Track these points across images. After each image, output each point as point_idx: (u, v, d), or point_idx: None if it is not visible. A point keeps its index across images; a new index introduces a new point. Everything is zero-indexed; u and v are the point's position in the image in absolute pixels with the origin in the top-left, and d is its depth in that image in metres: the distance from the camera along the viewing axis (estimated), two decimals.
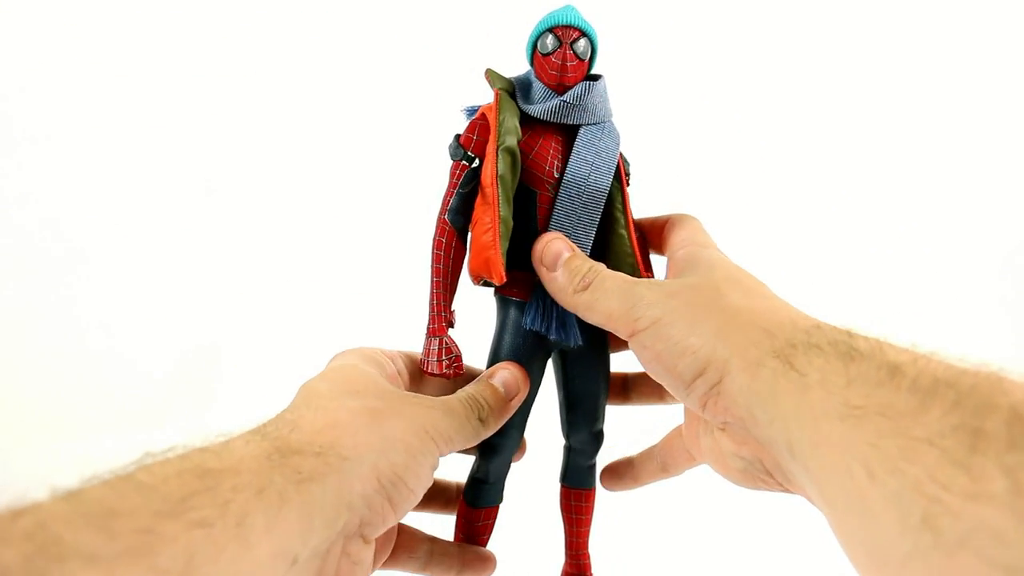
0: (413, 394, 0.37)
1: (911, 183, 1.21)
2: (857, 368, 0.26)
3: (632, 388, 0.51)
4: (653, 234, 0.45)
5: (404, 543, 0.41)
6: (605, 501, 0.53)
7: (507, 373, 0.42)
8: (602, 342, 0.47)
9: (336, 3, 1.12)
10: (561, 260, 0.38)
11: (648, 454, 0.50)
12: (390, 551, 0.38)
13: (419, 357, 0.43)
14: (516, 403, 0.42)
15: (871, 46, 1.18)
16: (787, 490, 0.34)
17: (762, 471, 0.34)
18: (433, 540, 0.44)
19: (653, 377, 0.35)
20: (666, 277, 0.42)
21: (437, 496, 0.48)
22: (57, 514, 0.20)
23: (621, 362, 0.49)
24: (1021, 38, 1.17)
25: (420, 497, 0.34)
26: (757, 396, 0.29)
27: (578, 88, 0.41)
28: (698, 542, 0.67)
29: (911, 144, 1.22)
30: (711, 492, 0.76)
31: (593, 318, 0.37)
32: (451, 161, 0.43)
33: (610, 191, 0.43)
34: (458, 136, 0.42)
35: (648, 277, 0.45)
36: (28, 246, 0.99)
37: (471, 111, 0.43)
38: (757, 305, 0.32)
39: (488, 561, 0.46)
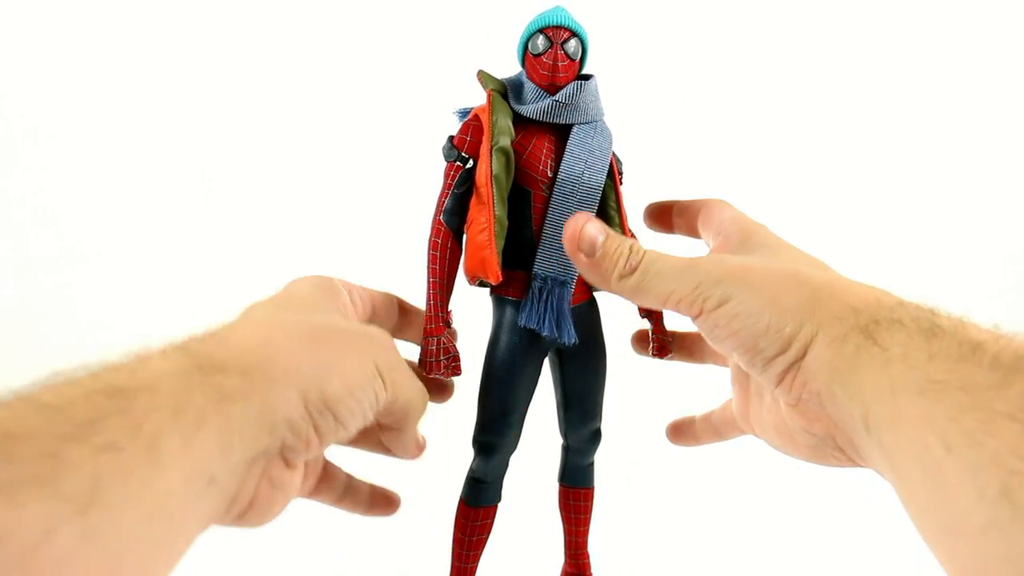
0: (361, 324, 0.35)
1: (910, 183, 1.21)
2: (939, 344, 0.25)
3: (672, 347, 0.50)
4: (685, 217, 0.44)
5: (327, 474, 0.40)
6: (604, 501, 0.53)
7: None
8: (598, 340, 0.47)
9: (333, 4, 1.12)
10: (598, 245, 0.35)
11: (706, 417, 0.50)
12: (315, 482, 0.38)
13: (385, 299, 0.42)
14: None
15: (868, 44, 1.18)
16: (858, 465, 0.33)
17: (833, 447, 0.33)
18: (350, 476, 0.43)
19: (720, 350, 0.34)
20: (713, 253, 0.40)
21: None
22: None
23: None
24: (1021, 37, 1.17)
25: (352, 432, 0.32)
26: (838, 372, 0.28)
27: (569, 88, 0.42)
28: (698, 542, 0.67)
29: (910, 144, 1.22)
30: (711, 492, 0.76)
31: (645, 301, 0.35)
32: (445, 162, 0.43)
33: (603, 189, 0.44)
34: (451, 137, 0.43)
35: None
36: (28, 246, 1.00)
37: (463, 113, 0.44)
38: (838, 282, 0.31)
39: (392, 502, 0.46)
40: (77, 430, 0.21)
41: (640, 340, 0.50)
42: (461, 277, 0.44)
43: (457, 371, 0.42)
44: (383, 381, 0.33)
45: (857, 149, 1.21)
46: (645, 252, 0.35)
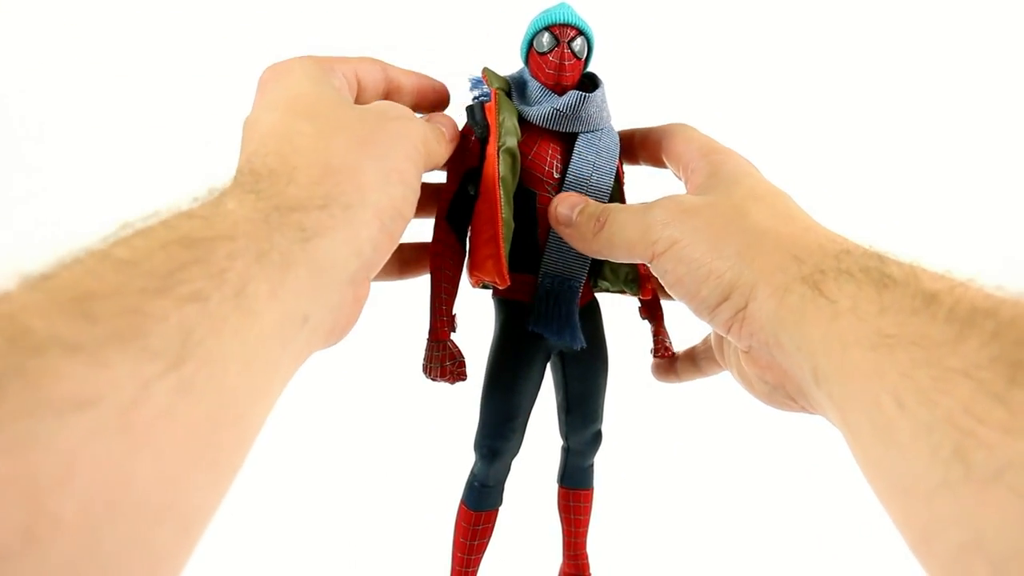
0: (387, 107, 0.35)
1: (910, 183, 1.21)
2: (891, 296, 0.25)
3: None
4: (645, 148, 0.43)
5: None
6: (604, 501, 0.53)
7: (444, 120, 0.41)
8: (600, 342, 0.47)
9: (333, 4, 1.12)
10: (576, 210, 0.37)
11: (688, 353, 0.48)
12: None
13: (369, 66, 0.40)
14: (454, 145, 0.41)
15: (868, 44, 1.18)
16: (810, 412, 0.33)
17: (785, 395, 0.33)
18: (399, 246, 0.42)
19: (678, 299, 0.34)
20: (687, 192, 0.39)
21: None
22: (26, 304, 0.17)
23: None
24: (1021, 37, 1.17)
25: (411, 220, 0.33)
26: (783, 323, 0.28)
27: (571, 98, 0.41)
28: (697, 543, 0.67)
29: (909, 144, 1.22)
30: (710, 493, 0.76)
31: (617, 254, 0.36)
32: (465, 124, 0.42)
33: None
34: (482, 104, 0.42)
35: (646, 275, 0.45)
36: (27, 247, 0.99)
37: (477, 81, 0.43)
38: (783, 227, 0.31)
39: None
40: (158, 283, 0.19)
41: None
42: (464, 281, 0.43)
43: (463, 376, 0.42)
44: (423, 157, 0.34)
45: (857, 149, 1.21)
46: (610, 207, 0.36)
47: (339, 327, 0.30)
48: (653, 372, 0.50)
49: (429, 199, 0.42)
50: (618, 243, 0.35)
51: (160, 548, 0.18)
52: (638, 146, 0.45)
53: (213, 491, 0.21)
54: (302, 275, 0.24)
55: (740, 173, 0.36)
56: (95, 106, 1.06)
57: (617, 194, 0.44)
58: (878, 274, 0.26)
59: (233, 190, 0.26)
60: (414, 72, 0.43)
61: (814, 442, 0.88)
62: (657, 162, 0.44)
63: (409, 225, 0.36)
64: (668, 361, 0.50)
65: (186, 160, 1.07)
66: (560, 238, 0.42)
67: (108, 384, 0.17)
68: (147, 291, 0.19)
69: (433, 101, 0.43)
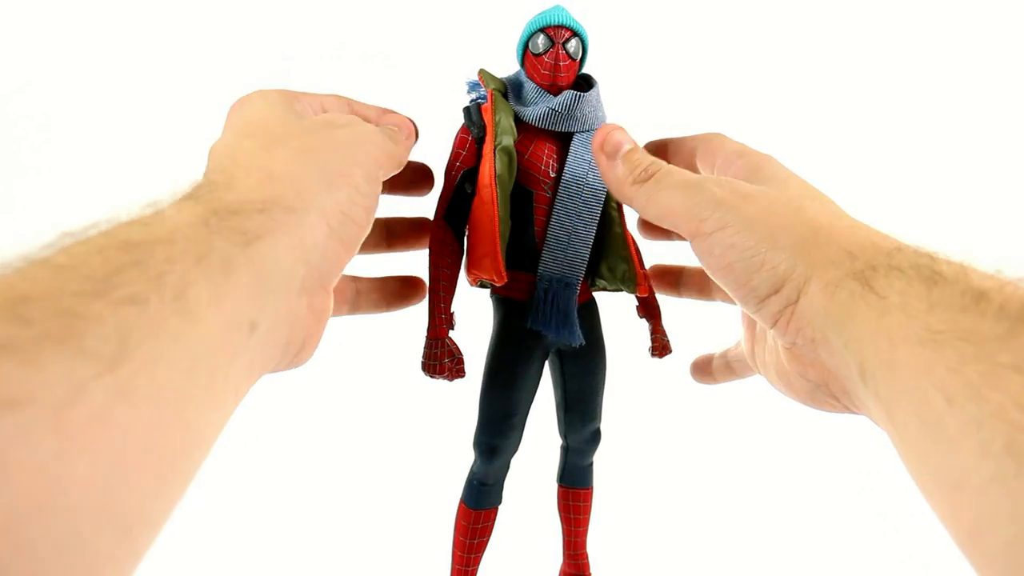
0: (334, 117, 0.34)
1: (910, 183, 1.22)
2: (940, 292, 0.25)
3: (684, 281, 0.48)
4: (682, 156, 0.42)
5: (335, 288, 0.38)
6: (603, 501, 0.53)
7: (397, 120, 0.40)
8: (598, 341, 0.47)
9: (332, 4, 1.12)
10: (622, 151, 0.35)
11: (723, 355, 0.47)
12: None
13: (335, 102, 0.40)
14: (411, 143, 0.40)
15: (868, 44, 1.19)
16: (853, 412, 0.32)
17: (828, 394, 0.32)
18: (357, 279, 0.42)
19: (716, 281, 0.32)
20: None
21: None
22: None
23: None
24: (1021, 36, 1.17)
25: (369, 227, 0.32)
26: (832, 319, 0.27)
27: (567, 97, 0.41)
28: (697, 542, 0.67)
29: (910, 144, 1.22)
30: (710, 492, 0.76)
31: (649, 212, 0.34)
32: (462, 124, 0.42)
33: (605, 190, 0.43)
34: (478, 104, 0.42)
35: (643, 274, 0.45)
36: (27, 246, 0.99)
37: (474, 84, 0.43)
38: (838, 223, 0.30)
39: (415, 286, 0.44)
40: (95, 286, 0.19)
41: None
42: (462, 279, 0.44)
43: (461, 373, 0.42)
44: (377, 164, 0.33)
45: (857, 148, 1.21)
46: (663, 164, 0.34)
47: (297, 341, 0.28)
48: (691, 373, 0.50)
49: (379, 233, 0.41)
50: (660, 204, 0.33)
51: (98, 551, 0.17)
52: (672, 155, 0.43)
53: (159, 496, 0.20)
54: (245, 280, 0.24)
55: (786, 173, 0.35)
56: (91, 107, 1.06)
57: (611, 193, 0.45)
58: (928, 271, 0.26)
59: (175, 199, 0.26)
60: (380, 107, 0.42)
61: (814, 442, 0.88)
62: (691, 169, 0.44)
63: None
64: (704, 362, 0.49)
65: (185, 161, 1.08)
66: (559, 238, 0.42)
67: (40, 384, 0.17)
68: (83, 294, 0.19)
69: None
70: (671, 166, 0.34)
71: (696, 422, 0.92)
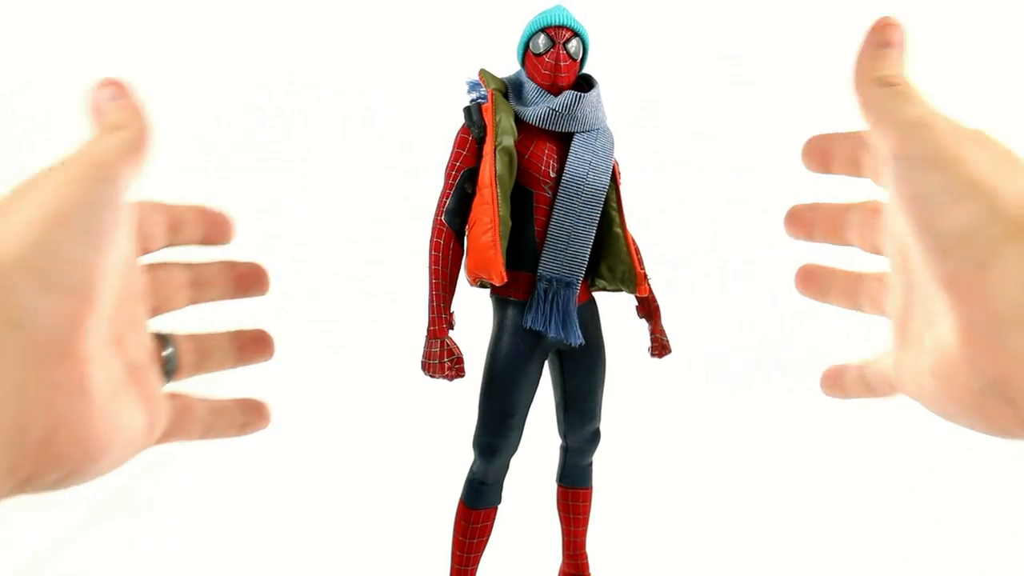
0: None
1: None
2: None
3: (833, 285, 0.43)
4: (848, 145, 0.39)
5: (182, 407, 0.31)
6: (603, 501, 0.53)
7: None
8: (598, 341, 0.47)
9: (331, 4, 1.12)
10: (893, 44, 0.33)
11: (860, 368, 0.44)
12: (166, 420, 0.25)
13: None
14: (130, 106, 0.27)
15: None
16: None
17: (1003, 398, 0.27)
18: (207, 399, 0.35)
19: (900, 216, 0.29)
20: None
21: (215, 348, 0.34)
22: None
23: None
24: (1020, 36, 1.17)
25: (104, 251, 0.19)
26: None
27: (567, 97, 0.41)
28: (696, 541, 0.67)
29: None
30: (709, 493, 0.76)
31: (870, 114, 0.32)
32: (462, 124, 0.42)
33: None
34: (479, 105, 0.42)
35: (642, 274, 0.46)
36: None
37: (474, 84, 0.44)
38: None
39: (261, 407, 0.39)
40: None
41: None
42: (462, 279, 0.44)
43: (461, 373, 0.42)
44: (98, 173, 0.21)
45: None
46: (911, 82, 0.31)
47: (33, 427, 0.18)
48: (822, 382, 0.45)
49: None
50: (885, 110, 0.31)
51: None
52: (837, 151, 0.39)
53: None
54: None
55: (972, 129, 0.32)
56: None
57: (612, 192, 0.45)
58: None
59: None
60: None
61: (813, 443, 0.89)
62: (854, 165, 0.38)
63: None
64: (837, 373, 0.46)
65: (186, 160, 1.08)
66: (559, 237, 0.42)
67: None
68: None
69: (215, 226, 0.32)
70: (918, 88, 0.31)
71: (695, 422, 0.92)
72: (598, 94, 0.43)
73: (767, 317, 1.09)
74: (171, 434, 0.28)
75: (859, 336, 1.10)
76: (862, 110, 0.30)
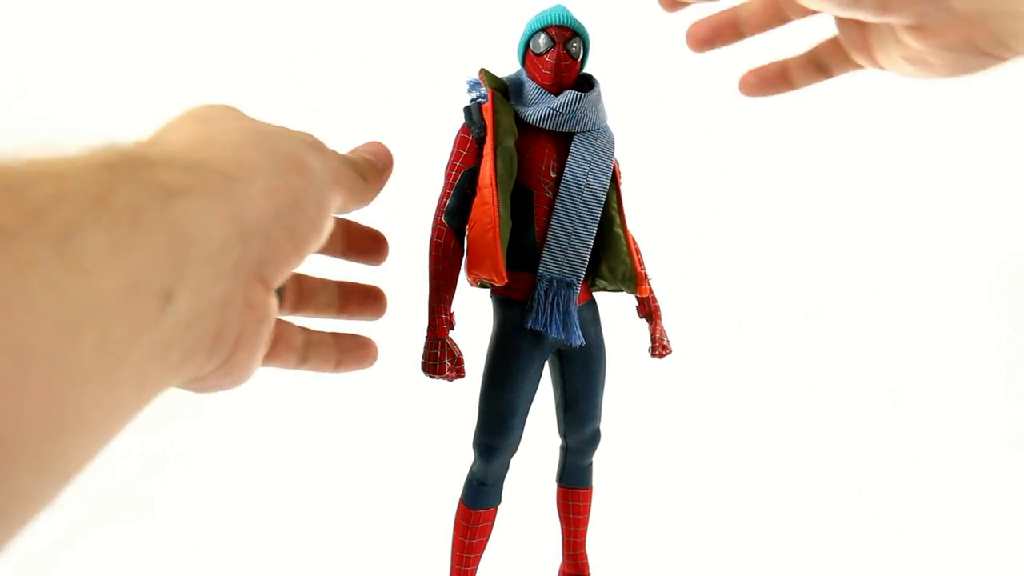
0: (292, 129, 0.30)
1: (910, 183, 1.22)
2: None
3: (744, 21, 0.39)
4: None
5: (281, 332, 0.33)
6: (603, 500, 0.53)
7: (374, 146, 0.35)
8: (598, 341, 0.47)
9: (334, 4, 1.12)
10: None
11: (804, 57, 0.40)
12: (271, 336, 0.30)
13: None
14: (386, 177, 0.34)
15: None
16: (1007, 59, 0.29)
17: (977, 53, 0.28)
18: (307, 330, 0.36)
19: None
20: None
21: (318, 292, 0.38)
22: None
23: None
24: None
25: (321, 236, 0.27)
26: None
27: (567, 97, 0.41)
28: (696, 541, 0.67)
29: (910, 143, 1.22)
30: (709, 493, 0.76)
31: None
32: (462, 124, 0.42)
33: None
34: (479, 104, 0.42)
35: (643, 274, 0.45)
36: None
37: (474, 83, 0.43)
38: None
39: (367, 346, 0.38)
40: None
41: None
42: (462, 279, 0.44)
43: (462, 373, 0.42)
44: (334, 175, 0.28)
45: (858, 147, 1.21)
46: None
47: (228, 338, 0.23)
48: (745, 88, 0.41)
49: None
50: None
51: None
52: None
53: (3, 483, 0.16)
54: (159, 238, 0.19)
55: None
56: (91, 108, 1.06)
57: (613, 193, 0.45)
58: None
59: (77, 147, 0.21)
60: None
61: (813, 443, 0.89)
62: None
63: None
64: (774, 71, 0.40)
65: None
66: (559, 238, 0.42)
67: None
68: None
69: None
70: None
71: (696, 422, 0.92)
72: (598, 94, 0.43)
73: (769, 318, 1.09)
74: (268, 358, 0.32)
75: (861, 337, 1.10)
76: None
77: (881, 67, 0.34)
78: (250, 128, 0.26)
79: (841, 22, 0.34)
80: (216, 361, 0.23)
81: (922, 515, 0.73)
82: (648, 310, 0.49)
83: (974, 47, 0.28)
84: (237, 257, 0.22)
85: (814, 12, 0.34)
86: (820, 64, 0.38)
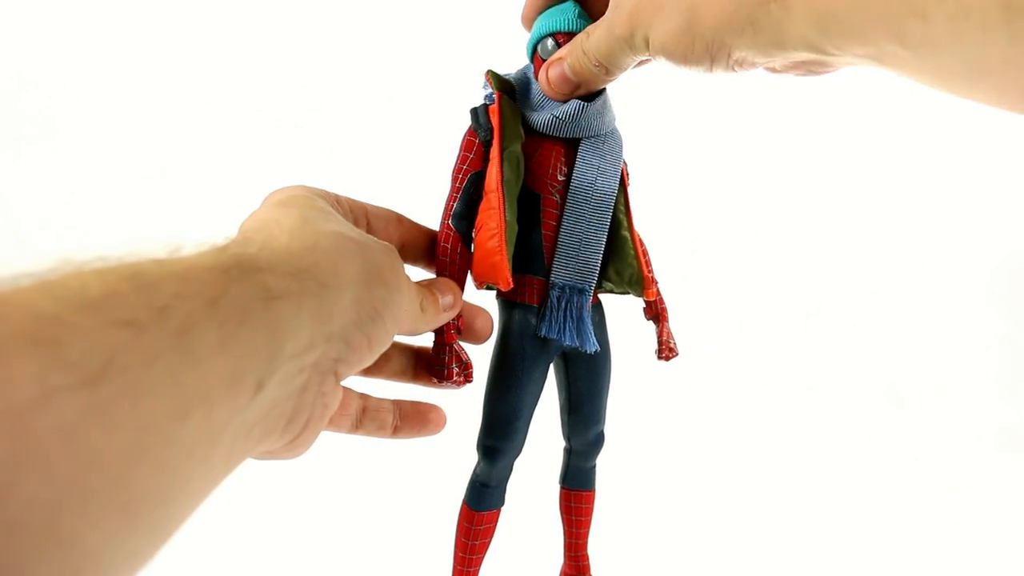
0: (377, 239, 0.33)
1: (911, 182, 1.22)
2: None
3: None
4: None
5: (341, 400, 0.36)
6: (605, 503, 0.53)
7: (449, 291, 0.40)
8: (605, 344, 0.47)
9: (333, 4, 1.12)
10: (567, 70, 0.39)
11: None
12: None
13: (384, 214, 0.40)
14: (447, 316, 0.39)
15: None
16: (838, 68, 0.32)
17: (811, 73, 0.32)
18: (365, 396, 0.39)
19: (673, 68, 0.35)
20: None
21: (392, 358, 0.42)
22: None
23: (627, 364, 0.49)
24: None
25: (391, 341, 0.31)
26: (754, 31, 0.28)
27: (571, 107, 0.41)
28: (698, 544, 0.67)
29: (911, 143, 1.22)
30: (711, 495, 0.76)
31: (622, 66, 0.37)
32: (469, 127, 0.42)
33: None
34: (486, 107, 0.42)
35: (650, 277, 0.45)
36: (27, 247, 0.99)
37: (484, 85, 0.43)
38: None
39: (429, 414, 0.42)
40: (85, 300, 0.17)
41: None
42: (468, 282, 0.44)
43: (470, 379, 0.42)
44: (410, 290, 0.33)
45: (859, 147, 1.21)
46: (577, 45, 0.37)
47: (299, 422, 0.26)
48: None
49: (406, 359, 0.41)
50: (613, 61, 0.36)
51: None
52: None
53: (121, 537, 0.17)
54: (259, 335, 0.22)
55: None
56: (93, 108, 1.06)
57: (620, 195, 0.45)
58: None
59: (198, 244, 0.24)
60: (431, 230, 0.42)
61: (815, 446, 0.89)
62: None
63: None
64: None
65: (188, 164, 1.07)
66: (569, 244, 0.42)
67: (3, 380, 0.15)
68: (71, 304, 0.17)
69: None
70: (579, 38, 0.37)
71: (700, 426, 0.92)
72: (604, 99, 0.43)
73: (776, 321, 1.09)
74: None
75: (861, 337, 1.10)
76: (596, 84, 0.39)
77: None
78: (348, 238, 0.29)
79: None
80: (287, 439, 0.27)
81: (922, 515, 0.73)
82: (655, 312, 0.49)
83: (808, 70, 0.32)
84: (320, 354, 0.26)
85: None
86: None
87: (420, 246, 0.41)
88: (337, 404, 0.30)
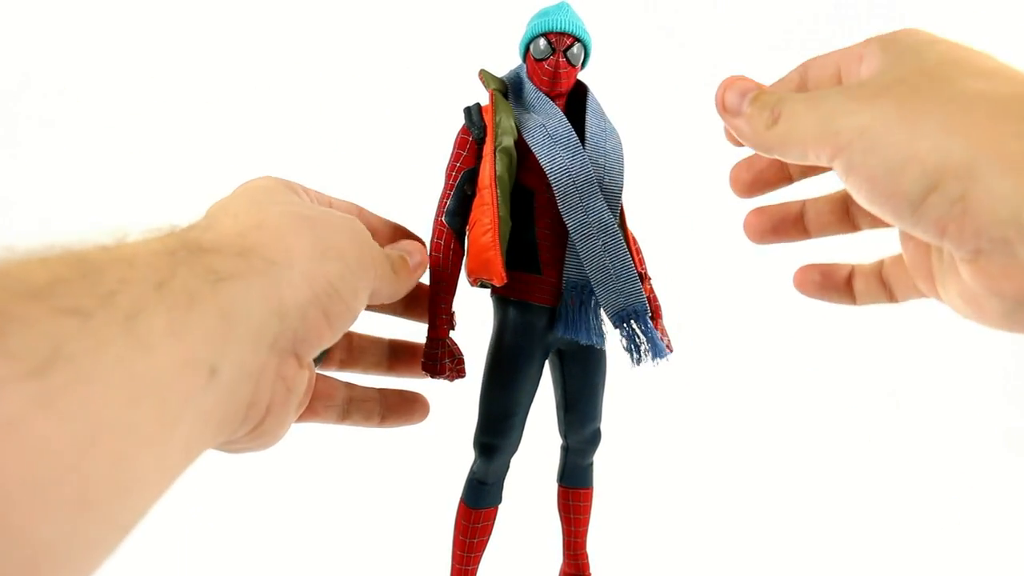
0: (339, 212, 0.32)
1: None
2: None
3: (811, 217, 0.38)
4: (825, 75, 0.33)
5: (321, 390, 0.36)
6: (603, 500, 0.53)
7: (415, 251, 0.39)
8: (601, 342, 0.47)
9: (332, 4, 1.12)
10: (747, 99, 0.30)
11: (874, 270, 0.38)
12: (307, 400, 0.33)
13: (346, 207, 0.39)
14: (419, 274, 0.38)
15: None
16: None
17: None
18: (351, 386, 0.39)
19: (870, 207, 0.26)
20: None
21: (367, 351, 0.42)
22: None
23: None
24: (1019, 38, 1.17)
25: (355, 317, 0.30)
26: None
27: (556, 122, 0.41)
28: (697, 542, 0.67)
29: None
30: (710, 492, 0.76)
31: (791, 152, 0.28)
32: (462, 125, 0.42)
33: None
34: (479, 105, 0.42)
35: (644, 274, 0.45)
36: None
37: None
38: (1002, 88, 0.23)
39: (414, 403, 0.41)
40: (29, 289, 0.17)
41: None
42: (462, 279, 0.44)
43: (462, 373, 0.42)
44: (371, 261, 0.31)
45: None
46: (785, 96, 0.29)
47: (260, 406, 0.26)
48: (809, 286, 0.40)
49: (381, 352, 0.41)
50: (795, 139, 0.27)
51: None
52: (813, 81, 0.34)
53: (74, 530, 0.17)
54: (209, 319, 0.21)
55: (926, 39, 0.27)
56: (94, 108, 1.06)
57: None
58: None
59: (144, 231, 0.24)
60: (393, 223, 0.41)
61: (814, 443, 0.89)
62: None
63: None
64: (835, 277, 0.39)
65: (187, 164, 1.08)
66: (579, 242, 0.42)
67: None
68: (15, 294, 0.17)
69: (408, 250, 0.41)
70: (794, 94, 0.28)
71: (697, 422, 0.92)
72: (595, 105, 0.43)
73: (771, 317, 1.09)
74: (306, 415, 0.36)
75: (863, 338, 1.10)
76: (785, 156, 0.29)
77: (940, 299, 0.31)
78: (297, 214, 0.29)
79: (905, 240, 0.32)
80: (248, 426, 0.26)
81: (926, 516, 0.73)
82: (650, 309, 0.49)
83: None
84: (274, 334, 0.25)
85: (884, 224, 0.31)
86: (883, 279, 0.36)
87: (381, 237, 0.39)
88: (304, 388, 0.29)
